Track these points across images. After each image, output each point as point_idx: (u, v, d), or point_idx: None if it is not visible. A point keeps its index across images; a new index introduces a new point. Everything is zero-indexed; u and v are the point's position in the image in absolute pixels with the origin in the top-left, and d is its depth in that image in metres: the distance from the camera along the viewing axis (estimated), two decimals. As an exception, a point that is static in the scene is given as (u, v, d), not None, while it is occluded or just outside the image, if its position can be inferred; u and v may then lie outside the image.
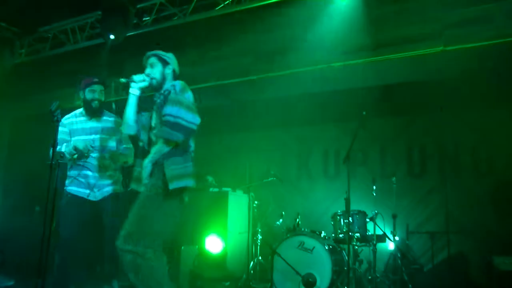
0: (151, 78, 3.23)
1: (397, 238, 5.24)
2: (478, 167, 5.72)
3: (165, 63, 3.28)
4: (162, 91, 3.19)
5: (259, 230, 5.71)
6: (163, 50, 3.26)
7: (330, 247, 4.87)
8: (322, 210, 6.15)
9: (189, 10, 6.08)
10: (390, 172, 5.87)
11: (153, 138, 3.15)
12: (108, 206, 4.08)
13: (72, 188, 4.02)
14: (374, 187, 5.19)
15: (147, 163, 2.98)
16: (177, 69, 3.34)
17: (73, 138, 4.06)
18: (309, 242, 4.82)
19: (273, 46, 5.98)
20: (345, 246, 4.79)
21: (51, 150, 3.49)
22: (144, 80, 3.23)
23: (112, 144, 4.16)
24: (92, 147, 4.00)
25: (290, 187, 6.46)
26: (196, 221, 5.84)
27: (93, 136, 4.10)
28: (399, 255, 5.15)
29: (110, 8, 6.06)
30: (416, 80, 5.76)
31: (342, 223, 5.08)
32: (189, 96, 3.09)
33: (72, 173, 4.07)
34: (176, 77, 3.31)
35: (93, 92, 4.12)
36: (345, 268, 4.72)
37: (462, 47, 4.95)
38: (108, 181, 4.11)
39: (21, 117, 8.03)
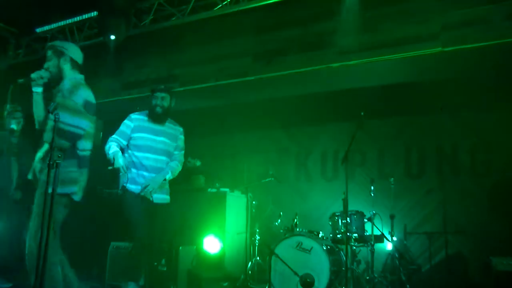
0: (50, 72, 3.17)
1: (395, 238, 5.26)
2: (476, 168, 5.72)
3: (60, 54, 3.21)
4: (57, 89, 3.14)
5: (257, 230, 5.71)
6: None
7: (328, 247, 4.87)
8: (320, 211, 6.15)
9: (187, 11, 6.09)
10: (388, 172, 5.89)
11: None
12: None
13: (130, 186, 4.04)
14: (372, 188, 5.19)
15: (37, 160, 2.99)
16: (77, 58, 3.27)
17: (135, 134, 4.13)
18: (307, 242, 4.82)
19: (271, 47, 5.98)
20: (343, 247, 4.79)
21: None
22: (41, 77, 3.14)
23: (171, 149, 4.25)
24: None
25: (288, 188, 6.46)
26: (194, 222, 5.84)
27: (158, 138, 4.17)
28: (397, 255, 5.16)
29: (109, 9, 6.07)
30: (414, 81, 5.78)
31: (340, 224, 5.09)
32: (78, 97, 3.04)
33: (132, 173, 4.08)
34: (78, 67, 3.28)
35: (156, 99, 4.25)
36: (343, 269, 4.72)
37: (460, 48, 4.96)
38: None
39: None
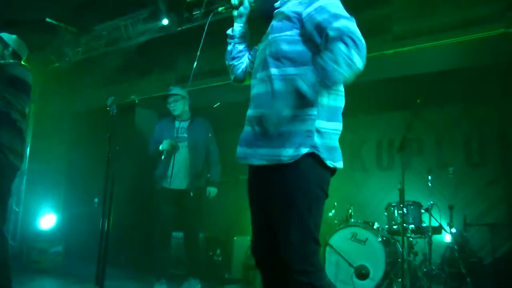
0: None
1: (454, 230, 5.06)
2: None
3: (5, 45, 3.57)
4: None
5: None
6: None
7: (384, 238, 4.79)
8: (376, 201, 6.03)
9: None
10: (447, 162, 5.66)
11: None
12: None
13: None
14: (430, 178, 5.02)
15: None
16: (18, 50, 3.63)
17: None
18: (362, 233, 4.76)
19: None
20: (399, 238, 4.69)
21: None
22: None
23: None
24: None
25: (342, 178, 6.28)
26: (249, 212, 5.89)
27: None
28: (456, 247, 4.97)
29: (162, 4, 6.20)
30: (474, 65, 5.50)
31: (396, 214, 4.98)
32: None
33: None
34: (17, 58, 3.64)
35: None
36: (399, 260, 4.63)
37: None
38: None
39: (80, 112, 8.38)
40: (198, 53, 2.78)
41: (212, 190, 5.27)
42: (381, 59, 5.48)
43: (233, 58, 2.61)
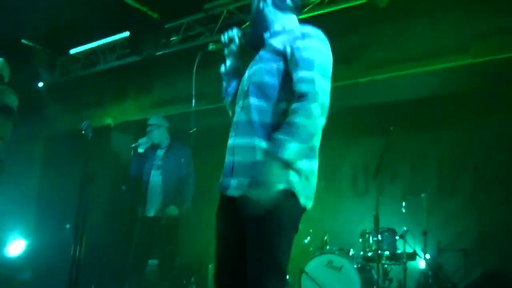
0: None
1: (428, 256, 5.11)
2: (511, 182, 5.54)
3: None
4: None
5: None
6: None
7: (359, 265, 4.79)
8: (351, 228, 6.04)
9: (215, 29, 6.18)
10: (419, 188, 5.75)
11: None
12: None
13: None
14: (404, 204, 5.09)
15: None
16: (1, 71, 4.01)
17: None
18: (338, 260, 4.75)
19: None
20: (374, 265, 4.70)
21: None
22: None
23: None
24: None
25: (317, 204, 6.35)
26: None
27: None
28: (430, 273, 5.00)
29: (139, 29, 6.23)
30: (444, 93, 5.66)
31: (371, 241, 4.99)
32: None
33: None
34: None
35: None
36: (375, 287, 4.63)
37: (492, 58, 4.85)
38: None
39: (54, 135, 8.25)
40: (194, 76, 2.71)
41: (172, 209, 5.06)
42: (355, 87, 5.60)
43: (229, 95, 2.57)
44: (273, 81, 2.19)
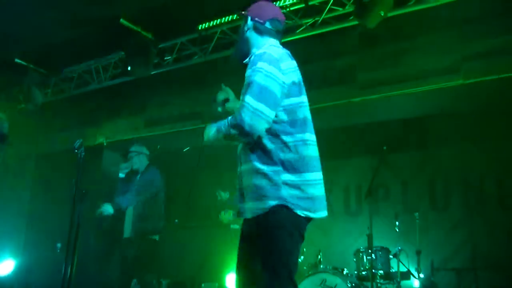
0: None
1: (422, 275, 5.09)
2: (504, 199, 5.57)
3: None
4: None
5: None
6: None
7: (353, 284, 4.76)
8: (344, 246, 6.03)
9: (209, 49, 6.23)
10: (413, 207, 5.76)
11: None
12: None
13: None
14: (397, 223, 5.09)
15: None
16: None
17: None
18: (332, 279, 4.71)
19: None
20: (368, 284, 4.67)
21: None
22: None
23: None
24: None
25: (310, 223, 6.36)
26: (216, 258, 5.79)
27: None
28: (424, 293, 4.99)
29: (133, 49, 6.27)
30: (436, 113, 5.73)
31: (365, 260, 4.97)
32: None
33: None
34: None
35: None
36: (369, 307, 4.59)
37: (481, 80, 4.93)
38: None
39: (45, 154, 8.21)
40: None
41: (106, 206, 5.10)
42: (348, 107, 5.65)
43: None
44: None
